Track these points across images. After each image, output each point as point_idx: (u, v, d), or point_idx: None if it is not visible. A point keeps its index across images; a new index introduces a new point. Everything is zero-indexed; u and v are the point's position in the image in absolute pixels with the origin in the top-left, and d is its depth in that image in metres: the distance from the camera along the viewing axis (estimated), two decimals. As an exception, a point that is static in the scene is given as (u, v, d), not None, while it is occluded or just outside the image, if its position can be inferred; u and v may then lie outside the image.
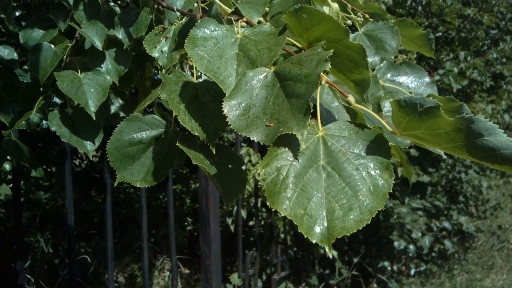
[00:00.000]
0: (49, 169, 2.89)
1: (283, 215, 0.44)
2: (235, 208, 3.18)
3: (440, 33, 3.47)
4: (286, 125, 0.47)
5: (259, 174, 0.48)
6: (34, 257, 2.75)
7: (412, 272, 3.53)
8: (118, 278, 3.20)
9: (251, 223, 3.39)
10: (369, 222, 0.43)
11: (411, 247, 3.32)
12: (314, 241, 0.43)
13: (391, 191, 0.45)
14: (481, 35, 3.58)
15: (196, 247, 3.41)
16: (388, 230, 3.40)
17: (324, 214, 0.44)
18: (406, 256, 3.53)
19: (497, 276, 3.90)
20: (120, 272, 3.27)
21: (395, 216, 3.35)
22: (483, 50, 3.86)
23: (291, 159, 0.48)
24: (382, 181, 0.46)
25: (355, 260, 3.48)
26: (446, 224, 3.45)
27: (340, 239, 3.13)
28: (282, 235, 3.25)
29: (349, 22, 0.93)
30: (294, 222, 0.44)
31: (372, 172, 0.46)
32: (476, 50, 3.77)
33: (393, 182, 0.45)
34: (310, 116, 0.47)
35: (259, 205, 3.14)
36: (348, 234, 0.43)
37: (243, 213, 3.26)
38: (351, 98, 0.52)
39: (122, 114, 1.16)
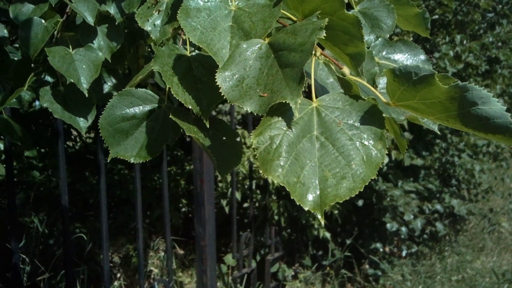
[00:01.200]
0: (42, 150, 2.88)
1: (275, 182, 0.44)
2: (230, 190, 3.19)
3: (437, 16, 3.45)
4: (280, 94, 0.47)
5: (253, 149, 0.48)
6: (28, 237, 2.75)
7: (404, 253, 3.58)
8: (113, 258, 3.22)
9: (245, 205, 3.41)
10: (361, 190, 0.44)
11: (403, 229, 3.36)
12: (306, 208, 0.44)
13: (384, 161, 0.45)
14: (478, 19, 3.56)
15: (191, 228, 3.44)
16: (381, 212, 3.44)
17: (317, 182, 0.45)
18: (398, 238, 3.58)
19: (487, 258, 3.97)
20: (115, 253, 3.29)
21: (388, 199, 3.39)
22: (479, 33, 3.85)
23: (284, 128, 0.48)
24: (375, 151, 0.46)
25: (348, 241, 3.52)
26: (438, 207, 3.49)
27: (334, 220, 3.16)
28: (276, 217, 3.28)
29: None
30: (287, 189, 0.44)
31: (366, 142, 0.46)
32: (472, 33, 3.76)
33: (386, 152, 0.45)
34: (305, 87, 0.46)
35: (253, 187, 3.16)
36: (341, 201, 0.43)
37: (238, 195, 3.28)
38: (345, 70, 0.52)
39: (115, 93, 1.15)
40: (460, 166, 3.75)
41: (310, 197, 0.44)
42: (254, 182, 3.16)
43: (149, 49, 1.31)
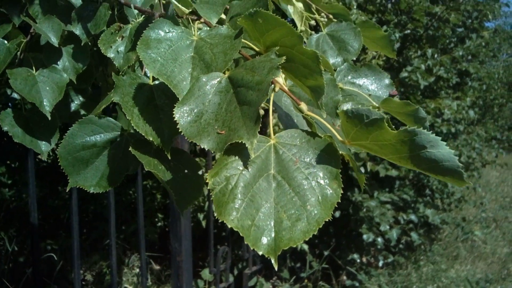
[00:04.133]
0: (13, 165, 2.80)
1: (229, 226, 0.44)
2: (207, 203, 3.17)
3: (409, 31, 3.53)
4: (237, 133, 0.46)
5: (209, 190, 0.47)
6: (-3, 256, 2.66)
7: (380, 263, 3.61)
8: (85, 276, 3.14)
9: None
10: (315, 233, 0.43)
11: (379, 239, 3.40)
12: (260, 253, 0.43)
13: (339, 201, 0.45)
14: (448, 33, 3.66)
15: (168, 243, 3.38)
16: (357, 223, 3.46)
17: (272, 224, 0.44)
18: (375, 248, 3.61)
19: (461, 267, 4.05)
20: (88, 270, 3.21)
21: (364, 210, 3.42)
22: (450, 47, 3.95)
23: (241, 168, 0.47)
24: (331, 191, 0.46)
25: (326, 253, 3.53)
26: (413, 217, 3.54)
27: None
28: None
29: (313, 22, 0.93)
30: (241, 234, 0.44)
31: (322, 182, 0.46)
32: (443, 47, 3.86)
33: (341, 192, 0.45)
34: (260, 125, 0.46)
35: (230, 200, 3.13)
36: (294, 246, 0.43)
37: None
38: (303, 106, 0.52)
39: (82, 112, 1.12)
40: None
41: (265, 240, 0.43)
42: (231, 195, 3.14)
43: (117, 67, 1.29)
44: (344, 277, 3.60)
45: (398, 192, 3.62)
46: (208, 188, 0.46)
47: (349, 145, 0.47)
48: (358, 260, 3.56)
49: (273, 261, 0.42)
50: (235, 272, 3.28)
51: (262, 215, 0.44)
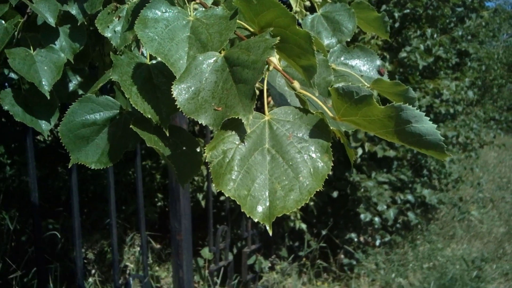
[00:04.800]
0: (12, 145, 2.82)
1: (227, 195, 0.46)
2: (206, 183, 3.20)
3: (408, 10, 3.50)
4: (233, 109, 0.48)
5: (208, 163, 0.49)
6: (0, 235, 2.71)
7: (377, 243, 3.67)
8: (87, 254, 3.20)
9: (221, 198, 3.42)
10: (307, 202, 0.46)
11: (377, 219, 3.45)
12: (256, 220, 0.45)
13: (330, 173, 0.47)
14: (448, 13, 3.64)
15: (167, 222, 3.43)
16: (355, 203, 3.51)
17: (267, 194, 0.47)
18: (372, 227, 3.67)
19: (457, 246, 4.12)
20: (90, 249, 3.27)
21: (362, 190, 3.46)
22: (450, 27, 3.93)
23: (237, 142, 0.49)
24: (321, 164, 0.48)
25: (323, 232, 3.59)
26: (410, 197, 3.58)
27: (309, 212, 3.20)
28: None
29: (308, 3, 0.93)
30: (238, 203, 0.46)
31: (313, 155, 0.48)
32: (442, 27, 3.83)
33: (332, 164, 0.48)
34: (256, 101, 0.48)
35: (229, 180, 3.16)
36: (288, 213, 0.45)
37: (214, 189, 3.29)
38: (296, 84, 0.54)
39: (81, 92, 1.13)
40: (431, 157, 3.85)
41: (260, 208, 0.46)
42: (229, 175, 3.17)
43: (115, 47, 1.30)
44: (342, 256, 3.67)
45: (395, 173, 3.66)
46: (206, 160, 0.48)
47: (339, 121, 0.49)
48: (356, 239, 3.62)
49: (267, 227, 0.45)
50: (235, 250, 3.34)
51: (258, 186, 0.47)
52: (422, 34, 3.55)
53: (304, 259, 3.64)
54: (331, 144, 0.49)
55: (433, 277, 3.48)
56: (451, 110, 3.75)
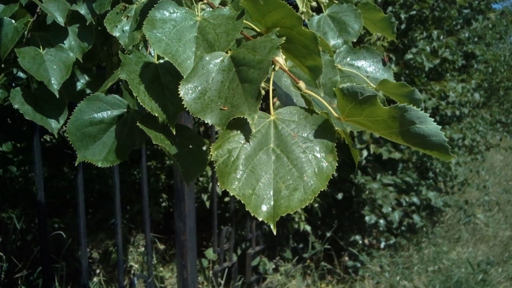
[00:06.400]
0: (18, 145, 2.84)
1: (231, 194, 0.47)
2: (210, 184, 3.21)
3: (414, 12, 3.50)
4: (239, 109, 0.48)
5: (213, 162, 0.50)
6: (6, 234, 2.73)
7: (382, 245, 3.66)
8: (92, 254, 3.22)
9: (226, 199, 3.43)
10: (311, 201, 0.46)
11: (381, 221, 3.44)
12: (260, 219, 0.46)
13: (334, 173, 0.48)
14: (454, 14, 3.63)
15: (172, 223, 3.44)
16: (360, 205, 3.50)
17: (271, 193, 0.47)
18: (377, 230, 3.66)
19: (463, 249, 4.09)
20: (95, 248, 3.28)
21: (367, 192, 3.45)
22: (456, 29, 3.92)
23: (242, 142, 0.50)
24: (326, 164, 0.48)
25: (328, 234, 3.58)
26: (415, 199, 3.57)
27: (314, 213, 3.19)
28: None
29: (314, 3, 0.94)
30: (242, 201, 0.46)
31: (318, 155, 0.49)
32: (449, 29, 3.82)
33: (336, 165, 0.48)
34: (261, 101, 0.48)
35: (234, 181, 3.17)
36: (292, 212, 0.46)
37: (218, 190, 3.30)
38: (301, 85, 0.54)
39: (88, 91, 1.15)
40: (437, 159, 3.83)
41: (264, 208, 0.46)
42: (234, 176, 3.18)
43: (122, 46, 1.31)
44: (346, 258, 3.66)
45: (401, 175, 3.64)
46: (212, 159, 0.49)
47: (344, 122, 0.50)
48: (360, 242, 3.61)
49: (272, 227, 0.45)
50: (239, 252, 3.34)
51: (262, 185, 0.47)
52: (428, 35, 3.54)
53: (308, 261, 3.64)
54: (335, 145, 0.49)
55: (438, 280, 3.47)
56: (457, 113, 3.73)
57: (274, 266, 3.50)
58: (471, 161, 4.38)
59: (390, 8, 3.45)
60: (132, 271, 3.19)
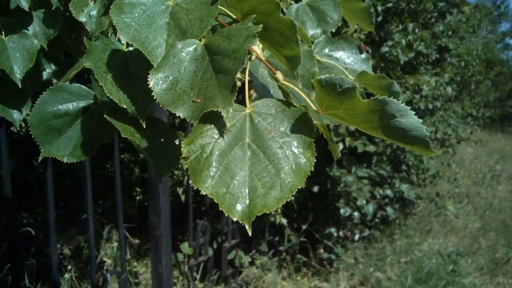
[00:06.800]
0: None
1: (204, 193, 0.44)
2: (186, 177, 3.16)
3: (391, 4, 3.52)
4: (212, 101, 0.45)
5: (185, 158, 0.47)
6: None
7: (357, 237, 3.71)
8: (63, 250, 3.13)
9: (202, 192, 3.39)
10: (288, 200, 0.44)
11: (356, 214, 3.47)
12: (235, 219, 0.43)
13: (312, 169, 0.45)
14: (430, 7, 3.67)
15: (146, 217, 3.38)
16: (335, 198, 3.53)
17: (247, 192, 0.44)
18: (351, 222, 3.70)
19: (434, 240, 4.19)
20: (66, 244, 3.19)
21: (342, 185, 3.47)
22: (431, 22, 3.96)
23: (216, 137, 0.47)
24: (304, 160, 0.46)
25: (304, 227, 3.60)
26: (389, 192, 3.62)
27: (290, 206, 3.20)
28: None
29: (292, -8, 0.91)
30: (215, 201, 0.44)
31: (295, 150, 0.46)
32: (424, 22, 3.87)
33: (314, 161, 0.46)
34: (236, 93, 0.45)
35: (209, 174, 3.13)
36: (268, 212, 0.43)
37: (194, 183, 3.25)
38: (279, 75, 0.52)
39: (55, 81, 1.09)
40: (410, 152, 3.89)
41: (239, 207, 0.44)
42: (210, 169, 3.14)
43: (91, 34, 1.25)
44: (321, 250, 3.69)
45: (375, 168, 3.69)
46: (183, 156, 0.46)
47: (322, 115, 0.47)
48: (335, 234, 3.65)
49: (247, 227, 0.42)
50: (214, 245, 3.31)
51: (237, 183, 0.45)
52: (404, 28, 3.57)
53: (284, 253, 3.65)
54: (314, 139, 0.47)
55: (410, 271, 3.54)
56: (430, 106, 3.79)
57: (250, 260, 3.49)
58: (443, 154, 4.47)
59: (367, 0, 3.46)
60: (105, 267, 3.12)
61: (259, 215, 0.43)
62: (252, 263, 3.52)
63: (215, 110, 0.46)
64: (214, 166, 0.45)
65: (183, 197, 3.32)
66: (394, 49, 3.42)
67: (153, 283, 2.61)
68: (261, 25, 0.47)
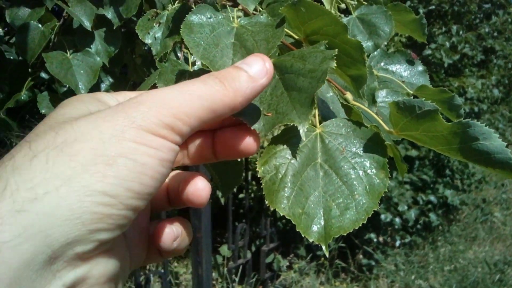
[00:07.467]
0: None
1: (281, 214, 0.45)
2: (226, 181, 3.21)
3: (433, 6, 3.44)
4: (286, 116, 0.46)
5: (260, 178, 0.48)
6: None
7: (397, 243, 3.63)
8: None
9: (241, 195, 3.43)
10: (365, 222, 0.44)
11: (397, 219, 3.41)
12: (311, 240, 0.44)
13: (387, 190, 0.46)
14: (474, 9, 3.56)
15: (188, 219, 3.45)
16: (375, 203, 3.48)
17: (321, 212, 0.45)
18: (392, 228, 3.63)
19: (480, 248, 4.04)
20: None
21: (382, 190, 3.42)
22: (475, 24, 3.84)
23: (289, 157, 0.48)
24: (378, 180, 0.46)
25: (343, 232, 3.56)
26: (432, 197, 3.53)
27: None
28: (271, 208, 3.30)
29: (342, 5, 0.91)
30: (292, 222, 0.45)
31: (369, 171, 0.47)
32: (468, 24, 3.75)
33: (388, 182, 0.46)
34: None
35: (249, 178, 3.17)
36: (345, 234, 0.44)
37: (233, 187, 3.29)
38: (349, 96, 0.52)
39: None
40: (453, 157, 3.78)
41: (315, 228, 0.44)
42: (249, 173, 3.18)
43: (145, 48, 1.30)
44: (361, 256, 3.64)
45: (417, 173, 3.61)
46: (259, 176, 0.47)
47: (396, 135, 0.48)
48: (375, 240, 3.59)
49: (324, 249, 0.43)
50: (253, 248, 3.34)
51: (312, 203, 0.45)
52: (447, 30, 3.48)
53: (322, 258, 3.62)
54: (387, 160, 0.47)
55: (454, 279, 3.43)
56: (476, 109, 3.67)
57: (288, 264, 3.50)
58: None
59: (408, 3, 3.39)
60: (148, 267, 3.21)
61: (335, 236, 0.43)
62: (290, 267, 3.52)
63: (286, 129, 0.47)
64: (289, 186, 0.46)
65: (222, 200, 3.37)
66: (438, 51, 3.34)
67: (193, 284, 2.66)
68: (336, 50, 0.48)
